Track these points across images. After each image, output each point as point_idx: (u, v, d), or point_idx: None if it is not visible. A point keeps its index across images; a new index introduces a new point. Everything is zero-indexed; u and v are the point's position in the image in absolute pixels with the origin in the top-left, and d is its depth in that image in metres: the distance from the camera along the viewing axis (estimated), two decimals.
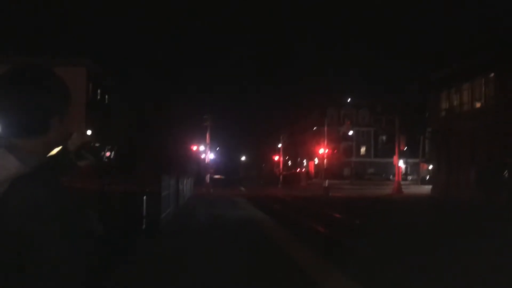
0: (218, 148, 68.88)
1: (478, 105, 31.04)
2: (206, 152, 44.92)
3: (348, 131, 60.88)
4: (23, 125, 1.25)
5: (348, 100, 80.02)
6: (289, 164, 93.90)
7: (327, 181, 39.44)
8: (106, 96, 44.74)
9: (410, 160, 66.24)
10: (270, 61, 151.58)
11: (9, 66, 1.34)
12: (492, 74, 28.98)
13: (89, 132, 31.02)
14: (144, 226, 11.52)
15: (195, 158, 52.35)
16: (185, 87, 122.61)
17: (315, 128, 75.33)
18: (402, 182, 41.25)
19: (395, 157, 39.34)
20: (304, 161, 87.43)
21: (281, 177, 60.21)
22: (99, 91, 42.11)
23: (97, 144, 1.60)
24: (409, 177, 65.74)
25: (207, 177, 41.05)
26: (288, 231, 12.68)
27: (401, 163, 46.63)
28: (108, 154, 1.64)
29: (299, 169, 71.70)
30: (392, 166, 46.67)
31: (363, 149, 79.94)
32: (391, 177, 59.11)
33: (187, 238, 10.97)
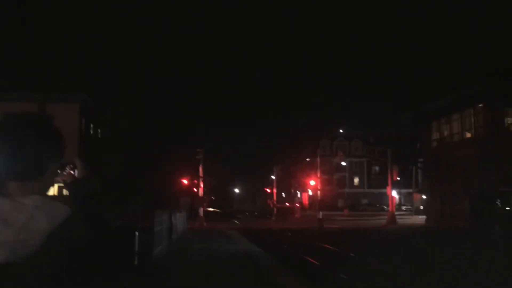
0: (211, 181, 68.58)
1: (468, 135, 31.39)
2: (199, 186, 44.71)
3: (341, 162, 61.01)
4: (19, 170, 1.32)
5: (340, 131, 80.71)
6: (283, 196, 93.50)
7: (321, 213, 39.21)
8: (99, 131, 44.78)
9: (404, 190, 66.21)
10: (263, 92, 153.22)
11: (3, 112, 1.42)
12: (481, 105, 29.45)
13: None
14: (136, 262, 11.36)
15: (188, 192, 52.02)
16: (177, 121, 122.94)
17: (308, 159, 75.45)
18: (396, 213, 41.11)
19: (388, 188, 39.35)
20: (298, 192, 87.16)
21: (275, 209, 59.81)
22: (91, 125, 42.17)
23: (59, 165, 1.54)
24: (403, 207, 65.57)
25: (201, 211, 40.72)
26: (281, 265, 12.53)
27: (395, 194, 46.57)
28: (68, 171, 1.54)
29: (292, 204, 71.33)
30: (386, 197, 46.62)
31: (356, 180, 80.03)
32: (385, 207, 58.96)
33: (179, 274, 10.79)
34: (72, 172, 1.55)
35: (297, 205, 67.36)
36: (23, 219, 1.23)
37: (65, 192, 1.56)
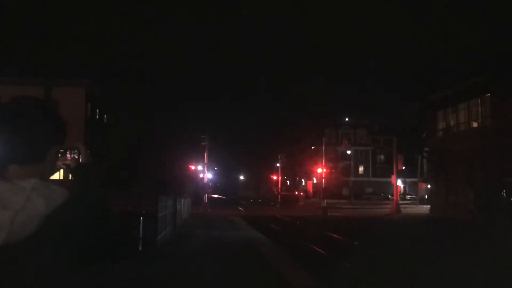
0: (216, 168, 68.76)
1: (474, 125, 31.19)
2: (204, 172, 44.85)
3: (346, 150, 60.89)
4: (19, 153, 1.33)
5: (346, 120, 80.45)
6: (288, 184, 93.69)
7: (325, 201, 39.32)
8: (105, 116, 44.90)
9: (409, 180, 66.15)
10: (269, 81, 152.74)
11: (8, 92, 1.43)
12: (488, 95, 29.21)
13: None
14: (140, 247, 11.46)
15: (193, 178, 52.21)
16: (183, 107, 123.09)
17: (313, 147, 75.39)
18: (400, 202, 41.12)
19: (393, 177, 39.32)
20: (303, 180, 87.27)
21: (279, 196, 59.98)
22: (97, 110, 42.28)
23: (61, 150, 1.52)
24: (408, 197, 65.59)
25: (205, 197, 40.88)
26: (284, 253, 12.60)
27: (400, 183, 46.59)
28: (68, 156, 1.52)
29: (297, 192, 71.48)
30: (391, 186, 46.61)
31: (361, 169, 79.92)
32: (389, 196, 58.99)
33: (183, 260, 10.88)
34: (76, 157, 1.56)
35: (301, 193, 67.51)
36: (21, 202, 1.23)
37: (71, 176, 1.57)
